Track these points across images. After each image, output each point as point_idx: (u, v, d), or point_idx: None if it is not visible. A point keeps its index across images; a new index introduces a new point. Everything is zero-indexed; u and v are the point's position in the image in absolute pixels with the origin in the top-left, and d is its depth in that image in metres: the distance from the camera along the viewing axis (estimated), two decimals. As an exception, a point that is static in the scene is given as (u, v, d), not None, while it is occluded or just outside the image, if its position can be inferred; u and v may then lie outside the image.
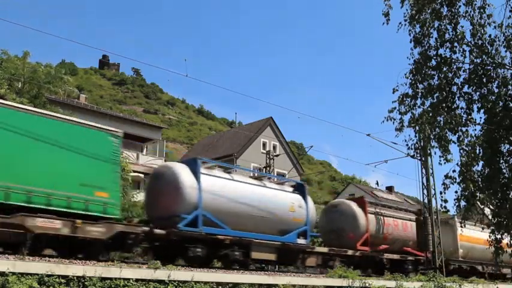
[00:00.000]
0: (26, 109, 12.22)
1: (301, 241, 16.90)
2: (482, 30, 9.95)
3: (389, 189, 54.31)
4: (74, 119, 13.52)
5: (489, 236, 10.95)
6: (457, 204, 10.54)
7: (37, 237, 10.89)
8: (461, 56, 10.23)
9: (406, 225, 21.82)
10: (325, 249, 18.33)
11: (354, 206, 19.95)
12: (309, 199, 17.90)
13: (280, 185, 17.94)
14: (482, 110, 10.43)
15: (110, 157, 12.75)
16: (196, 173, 14.46)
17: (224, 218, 14.61)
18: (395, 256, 20.56)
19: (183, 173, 14.39)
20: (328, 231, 19.90)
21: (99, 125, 13.34)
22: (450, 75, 10.37)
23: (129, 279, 9.74)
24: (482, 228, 20.55)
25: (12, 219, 10.44)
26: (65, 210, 11.42)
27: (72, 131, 12.28)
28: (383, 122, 10.38)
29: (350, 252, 18.61)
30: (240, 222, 15.08)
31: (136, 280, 9.86)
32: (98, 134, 12.81)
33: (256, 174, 18.81)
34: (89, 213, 11.90)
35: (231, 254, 14.71)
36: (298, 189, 17.96)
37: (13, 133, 11.01)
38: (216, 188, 14.81)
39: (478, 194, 10.55)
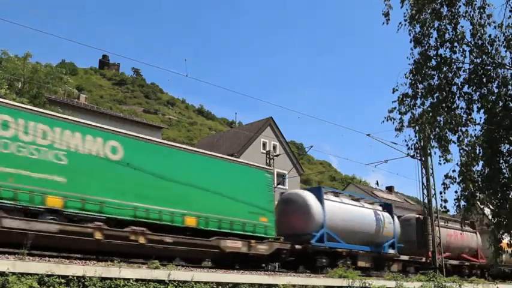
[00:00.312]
0: (215, 155, 16.32)
1: (390, 251, 20.67)
2: (482, 30, 9.94)
3: (389, 189, 54.32)
4: (244, 161, 18.12)
5: (489, 236, 10.95)
6: (457, 204, 10.54)
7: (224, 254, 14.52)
8: (461, 56, 10.24)
9: (463, 235, 25.62)
10: (406, 257, 21.95)
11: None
12: (395, 217, 21.73)
13: (372, 204, 21.25)
14: (482, 110, 10.43)
15: (266, 189, 16.53)
16: (320, 199, 18.08)
17: (340, 234, 18.30)
18: (455, 262, 24.69)
19: (311, 199, 17.99)
20: (404, 241, 22.64)
21: (258, 165, 17.53)
22: (450, 75, 10.36)
23: (129, 279, 9.73)
24: None
25: (211, 241, 14.27)
26: (241, 233, 15.15)
27: (243, 171, 16.21)
28: (383, 122, 10.39)
29: (423, 259, 22.50)
30: (349, 237, 18.68)
31: (136, 280, 9.85)
32: (258, 172, 16.72)
33: (355, 197, 21.72)
34: (256, 234, 15.58)
35: (346, 263, 17.86)
36: (386, 208, 21.67)
37: (210, 176, 15.09)
38: (334, 210, 18.37)
39: (478, 194, 10.55)
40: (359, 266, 18.57)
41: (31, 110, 12.42)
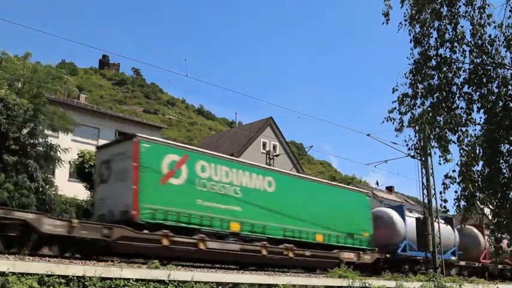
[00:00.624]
0: (336, 185, 21.64)
1: (452, 258, 24.24)
2: (482, 30, 9.93)
3: (389, 189, 54.25)
4: (352, 187, 23.25)
5: (488, 236, 10.95)
6: (457, 204, 10.54)
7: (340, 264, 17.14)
8: (461, 56, 10.23)
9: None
10: (463, 263, 25.24)
11: (475, 230, 26.57)
12: (455, 229, 24.92)
13: (436, 218, 23.03)
14: (482, 110, 10.42)
15: (367, 209, 20.63)
16: (402, 216, 22.03)
17: (414, 244, 21.95)
18: (501, 266, 26.80)
19: (396, 216, 21.97)
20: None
21: (362, 190, 22.07)
22: (450, 75, 10.36)
23: (129, 279, 9.72)
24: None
25: (334, 253, 17.99)
26: (351, 246, 19.00)
27: (353, 196, 20.41)
28: (383, 122, 10.39)
29: (476, 264, 26.06)
30: (418, 246, 21.95)
31: (136, 280, 9.84)
32: (362, 196, 20.89)
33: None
34: (362, 247, 19.49)
35: (421, 269, 21.39)
36: (448, 221, 24.53)
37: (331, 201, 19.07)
38: (409, 223, 22.03)
39: (478, 194, 10.55)
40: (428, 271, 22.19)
41: (218, 156, 16.65)
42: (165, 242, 13.26)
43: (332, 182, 21.98)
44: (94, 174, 18.24)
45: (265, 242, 15.73)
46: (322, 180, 21.96)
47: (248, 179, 16.20)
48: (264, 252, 15.54)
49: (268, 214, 16.31)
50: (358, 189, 22.64)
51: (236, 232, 15.30)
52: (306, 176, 21.29)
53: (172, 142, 17.03)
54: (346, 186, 24.14)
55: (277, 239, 16.34)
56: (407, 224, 21.87)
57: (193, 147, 17.51)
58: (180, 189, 14.29)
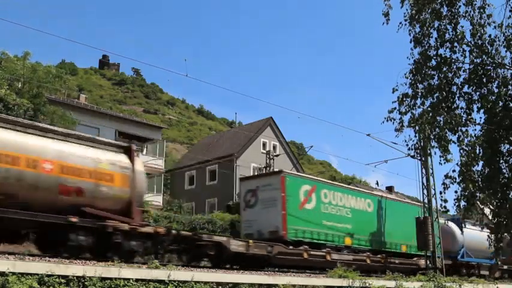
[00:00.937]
0: (408, 202, 25.18)
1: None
2: (482, 30, 9.94)
3: (389, 189, 54.09)
4: (413, 202, 26.21)
5: (488, 235, 10.95)
6: (457, 204, 10.54)
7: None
8: (461, 56, 10.25)
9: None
10: (505, 266, 27.09)
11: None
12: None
13: (482, 228, 25.36)
14: (482, 110, 10.44)
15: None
16: (460, 227, 25.22)
17: (471, 252, 25.10)
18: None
19: (455, 227, 25.21)
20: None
21: (419, 204, 23.48)
22: (450, 75, 10.37)
23: (129, 279, 9.70)
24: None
25: (415, 260, 22.00)
26: (407, 252, 22.06)
27: (414, 209, 22.63)
28: (383, 122, 10.40)
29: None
30: (476, 254, 25.18)
31: (136, 280, 9.81)
32: (418, 208, 22.89)
33: (476, 223, 26.91)
34: (412, 252, 22.16)
35: (474, 273, 24.65)
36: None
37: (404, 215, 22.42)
38: (468, 233, 25.01)
39: (478, 194, 10.56)
40: (481, 274, 25.13)
41: (335, 184, 21.52)
42: (305, 255, 16.97)
43: (402, 199, 26.64)
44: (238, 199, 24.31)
45: (368, 253, 19.66)
46: (397, 198, 27.26)
47: (355, 202, 20.24)
48: (368, 261, 19.26)
49: (368, 229, 20.45)
50: (415, 202, 25.88)
51: (348, 245, 19.24)
52: (390, 196, 25.64)
53: (304, 175, 23.72)
54: (410, 201, 28.05)
55: (377, 250, 20.36)
56: (464, 234, 25.36)
57: (319, 179, 22.38)
58: (312, 213, 18.14)
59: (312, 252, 17.13)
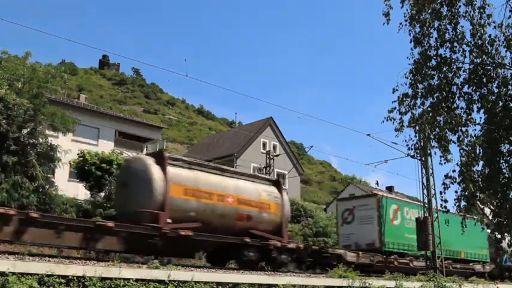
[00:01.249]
0: (472, 218, 24.37)
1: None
2: (482, 30, 9.93)
3: (389, 189, 54.11)
4: (473, 216, 27.86)
5: (489, 235, 10.95)
6: (457, 204, 10.54)
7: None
8: (461, 56, 10.24)
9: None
10: None
11: None
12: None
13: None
14: (482, 110, 10.44)
15: (483, 231, 22.60)
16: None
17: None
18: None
19: None
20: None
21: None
22: (450, 75, 10.36)
23: (129, 279, 9.69)
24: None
25: (471, 266, 25.18)
26: (477, 260, 25.93)
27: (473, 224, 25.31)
28: (383, 122, 10.40)
29: None
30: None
31: (136, 280, 9.81)
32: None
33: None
34: (482, 260, 26.13)
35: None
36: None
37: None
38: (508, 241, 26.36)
39: (478, 194, 10.55)
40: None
41: (411, 202, 24.98)
42: (396, 262, 20.62)
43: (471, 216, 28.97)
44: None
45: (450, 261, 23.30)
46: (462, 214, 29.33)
47: (414, 214, 22.78)
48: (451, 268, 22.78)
49: (444, 240, 22.76)
50: (474, 217, 28.02)
51: (421, 254, 22.44)
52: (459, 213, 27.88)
53: (392, 196, 27.75)
54: (471, 216, 32.12)
55: (450, 258, 23.73)
56: (506, 243, 26.63)
57: (402, 199, 26.71)
58: (398, 227, 22.11)
59: (400, 260, 21.28)
